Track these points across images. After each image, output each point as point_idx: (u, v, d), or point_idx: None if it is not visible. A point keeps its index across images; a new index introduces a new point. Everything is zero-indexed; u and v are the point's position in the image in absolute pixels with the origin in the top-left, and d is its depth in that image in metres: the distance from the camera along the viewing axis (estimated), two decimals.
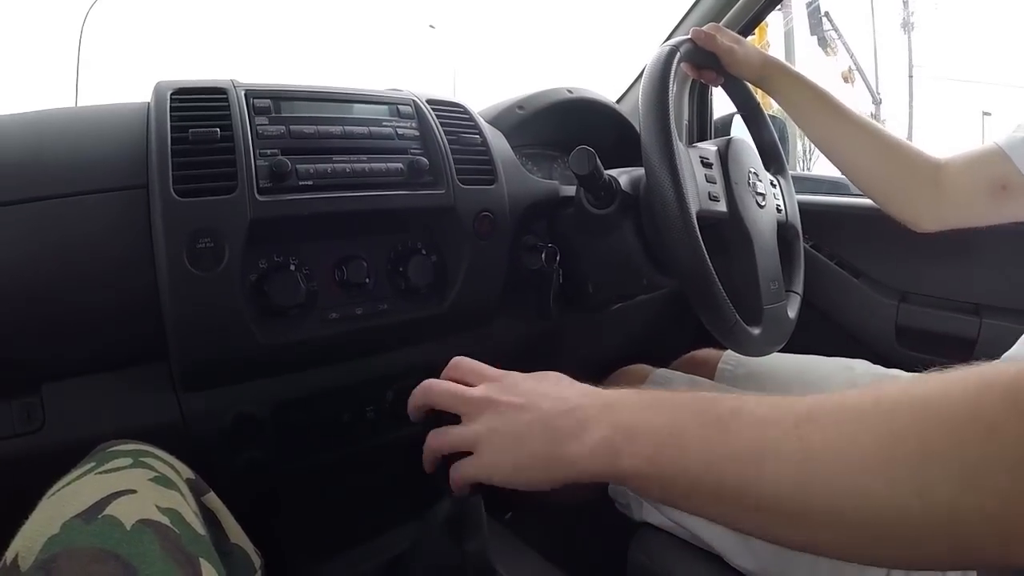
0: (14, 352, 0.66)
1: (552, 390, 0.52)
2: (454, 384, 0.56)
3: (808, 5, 11.02)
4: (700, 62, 1.04)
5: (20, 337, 0.66)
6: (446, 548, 0.61)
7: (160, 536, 0.43)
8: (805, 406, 0.41)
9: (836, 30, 11.47)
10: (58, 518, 0.42)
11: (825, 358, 1.13)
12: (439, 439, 0.55)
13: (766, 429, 0.41)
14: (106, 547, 0.40)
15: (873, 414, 0.37)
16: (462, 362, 0.58)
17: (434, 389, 0.56)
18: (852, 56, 12.00)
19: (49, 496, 0.46)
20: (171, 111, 0.69)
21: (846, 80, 12.08)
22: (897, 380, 0.39)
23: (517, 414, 0.51)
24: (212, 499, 0.58)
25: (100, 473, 0.48)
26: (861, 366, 1.08)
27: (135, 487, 0.47)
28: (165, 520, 0.45)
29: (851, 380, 1.05)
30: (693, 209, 0.81)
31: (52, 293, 0.65)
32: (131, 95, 0.80)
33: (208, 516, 0.55)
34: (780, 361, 1.12)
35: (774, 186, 1.08)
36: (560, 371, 0.57)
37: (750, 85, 1.12)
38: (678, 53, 0.91)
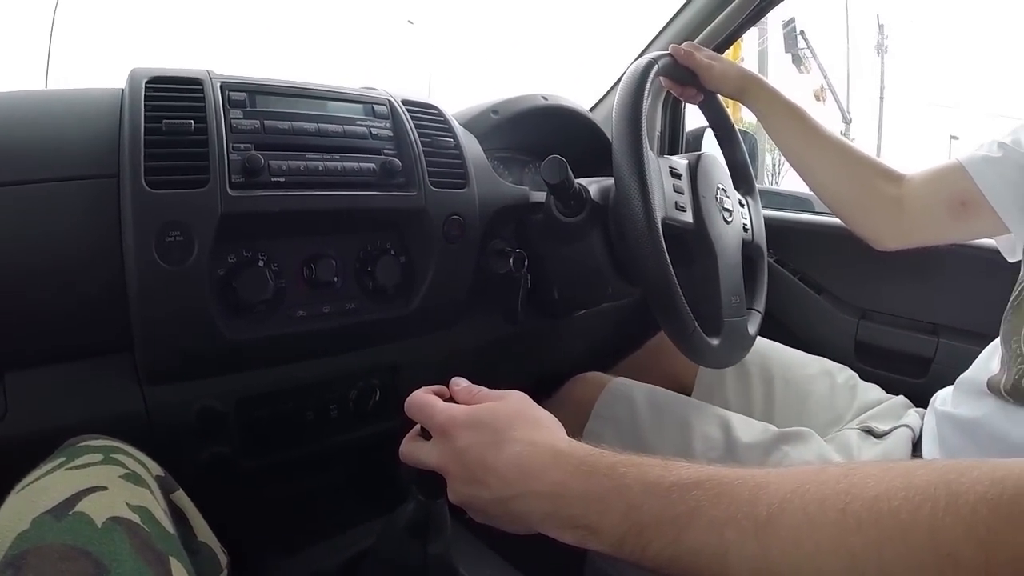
0: None
1: (503, 463, 0.50)
2: (430, 403, 0.57)
3: (784, 24, 11.17)
4: (678, 77, 1.06)
5: None
6: (409, 549, 0.61)
7: (130, 534, 0.43)
8: (765, 511, 0.39)
9: (810, 48, 11.63)
10: (28, 514, 0.42)
11: (813, 357, 1.16)
12: (408, 455, 0.58)
13: (724, 531, 0.40)
14: (77, 544, 0.40)
15: (836, 530, 0.37)
16: (423, 398, 0.59)
17: (412, 402, 0.58)
18: (825, 75, 12.18)
19: (18, 491, 0.46)
20: (145, 100, 0.69)
21: (818, 98, 12.24)
22: (866, 481, 0.38)
23: (476, 489, 0.52)
24: (181, 497, 0.58)
25: (70, 469, 0.48)
26: (843, 375, 1.12)
27: (106, 484, 0.47)
28: (136, 518, 0.45)
29: (830, 387, 1.09)
30: (659, 215, 0.83)
31: (16, 281, 0.64)
32: (102, 80, 0.79)
33: (177, 514, 0.55)
34: (768, 351, 1.15)
35: (742, 205, 1.10)
36: (521, 374, 0.57)
37: (724, 100, 1.14)
38: (655, 66, 0.93)
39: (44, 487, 0.45)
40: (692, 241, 0.94)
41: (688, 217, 0.93)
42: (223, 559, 0.60)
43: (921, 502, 0.34)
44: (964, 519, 0.33)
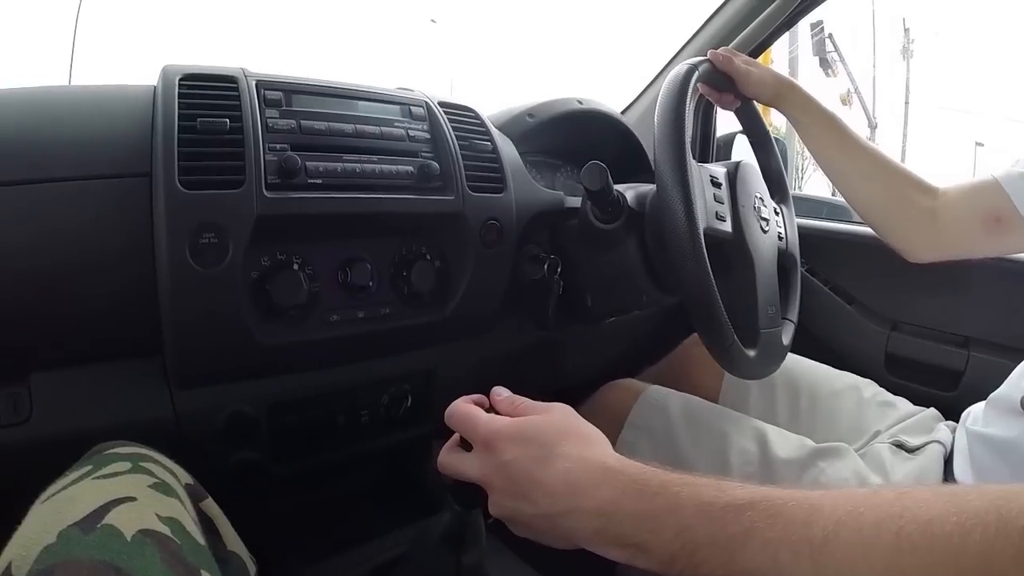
0: (2, 339, 0.64)
1: (552, 479, 0.50)
2: (472, 415, 0.56)
3: (812, 27, 11.11)
4: (715, 83, 1.04)
5: (9, 324, 0.63)
6: (442, 558, 0.60)
7: (161, 547, 0.42)
8: (821, 532, 0.40)
9: (838, 52, 11.57)
10: (54, 526, 0.40)
11: (839, 372, 1.15)
12: (448, 466, 0.57)
13: (778, 552, 0.40)
14: (106, 559, 0.39)
15: (890, 552, 0.37)
16: (465, 408, 0.58)
17: (454, 413, 0.57)
18: (852, 79, 12.11)
19: (43, 500, 0.45)
20: (179, 97, 0.68)
21: (844, 103, 12.20)
22: (919, 505, 0.38)
23: (521, 504, 0.51)
24: (210, 505, 0.56)
25: (98, 478, 0.47)
26: (870, 390, 1.09)
27: (135, 494, 0.45)
28: (166, 530, 0.43)
29: (858, 401, 1.07)
30: (701, 226, 0.81)
31: (46, 280, 0.63)
32: (126, 77, 0.78)
33: (206, 523, 0.54)
34: (794, 366, 1.13)
35: (777, 214, 1.08)
36: (552, 380, 0.56)
37: (758, 105, 1.12)
38: (696, 72, 0.91)
39: (71, 497, 0.44)
40: (730, 251, 0.92)
41: (727, 227, 0.91)
42: (252, 568, 0.59)
43: (973, 527, 0.35)
44: (1014, 543, 0.34)
